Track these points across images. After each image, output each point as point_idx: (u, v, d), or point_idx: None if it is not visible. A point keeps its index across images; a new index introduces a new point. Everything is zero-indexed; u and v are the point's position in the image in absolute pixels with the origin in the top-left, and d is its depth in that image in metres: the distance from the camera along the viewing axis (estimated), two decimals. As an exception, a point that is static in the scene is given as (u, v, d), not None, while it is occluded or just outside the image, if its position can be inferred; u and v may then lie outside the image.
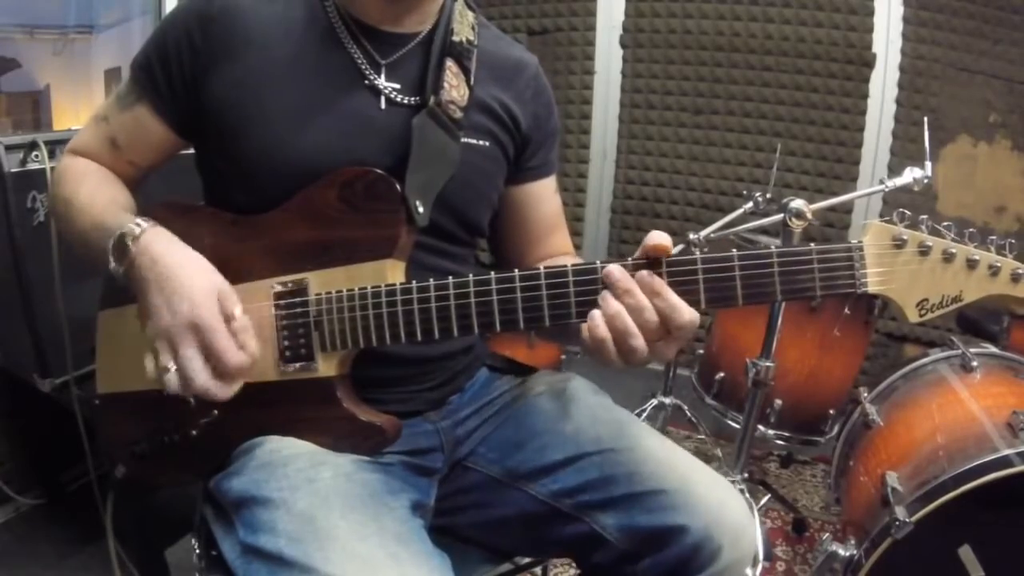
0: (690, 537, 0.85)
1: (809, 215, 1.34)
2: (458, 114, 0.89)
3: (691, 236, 1.72)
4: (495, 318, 0.78)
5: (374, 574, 0.69)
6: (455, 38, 0.92)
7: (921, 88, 2.48)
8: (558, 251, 1.07)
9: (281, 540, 0.72)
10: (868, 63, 2.52)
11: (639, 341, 0.73)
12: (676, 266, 0.74)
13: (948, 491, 1.19)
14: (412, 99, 0.90)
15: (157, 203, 0.92)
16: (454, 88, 0.90)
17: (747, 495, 1.67)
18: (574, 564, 1.04)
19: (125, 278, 0.81)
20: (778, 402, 1.89)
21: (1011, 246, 0.74)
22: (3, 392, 1.71)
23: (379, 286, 0.81)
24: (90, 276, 0.87)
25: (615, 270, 0.74)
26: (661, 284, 0.73)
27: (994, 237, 0.74)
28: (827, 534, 1.78)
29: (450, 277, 0.79)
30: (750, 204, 1.95)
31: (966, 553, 1.23)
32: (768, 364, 1.57)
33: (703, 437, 2.32)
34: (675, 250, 0.76)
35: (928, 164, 1.51)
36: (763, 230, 1.65)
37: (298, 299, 0.84)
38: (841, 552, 1.35)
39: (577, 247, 1.12)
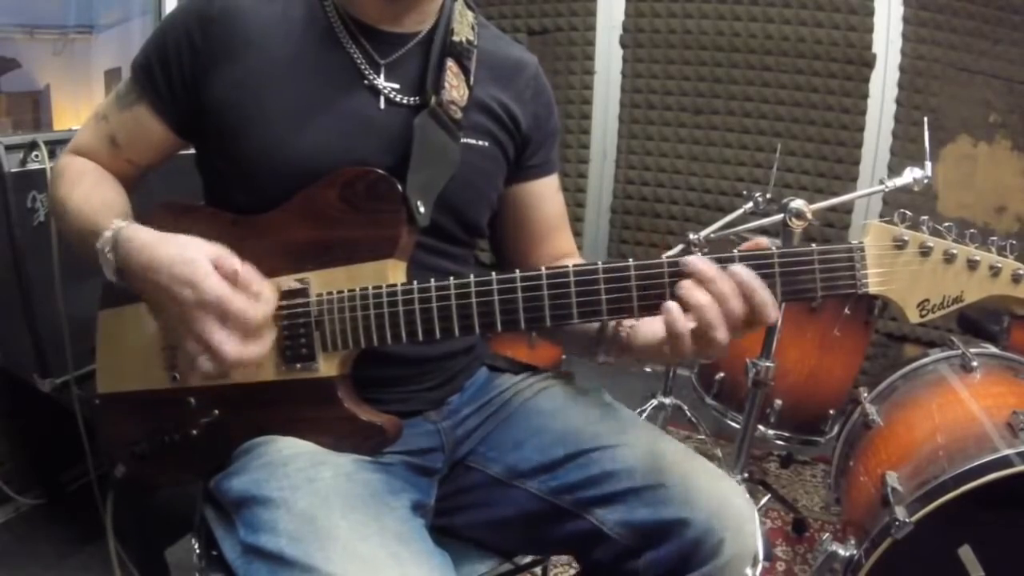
0: (691, 531, 0.85)
1: (809, 215, 1.34)
2: (458, 114, 0.90)
3: (691, 236, 1.72)
4: (496, 318, 0.78)
5: (375, 574, 0.69)
6: (455, 38, 0.92)
7: (921, 88, 2.48)
8: (561, 252, 1.07)
9: (282, 540, 0.72)
10: (868, 63, 2.52)
11: (722, 332, 0.72)
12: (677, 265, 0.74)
13: (948, 491, 1.19)
14: (411, 99, 0.90)
15: (157, 203, 0.92)
16: (454, 88, 0.90)
17: (747, 495, 1.67)
18: (574, 565, 1.04)
19: (123, 283, 0.81)
20: (778, 402, 1.89)
21: (1012, 247, 0.74)
22: (3, 392, 1.71)
23: (380, 286, 0.81)
24: (90, 276, 0.86)
25: (698, 259, 0.73)
26: (759, 281, 0.72)
27: (995, 238, 0.74)
28: (827, 534, 1.78)
29: (451, 277, 0.79)
30: (750, 204, 1.95)
31: (966, 553, 1.23)
32: (768, 364, 1.57)
33: (703, 437, 2.32)
34: (675, 250, 0.76)
35: (928, 164, 1.51)
36: (763, 230, 1.65)
37: (299, 299, 0.84)
38: (841, 552, 1.35)
39: (577, 247, 1.12)
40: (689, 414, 2.29)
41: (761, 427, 1.91)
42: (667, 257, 0.75)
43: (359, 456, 0.86)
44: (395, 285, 0.81)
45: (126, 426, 0.94)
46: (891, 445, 1.52)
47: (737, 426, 1.74)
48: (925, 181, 1.52)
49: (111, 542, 1.53)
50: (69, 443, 1.62)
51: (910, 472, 1.33)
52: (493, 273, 0.78)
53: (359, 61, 0.89)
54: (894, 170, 2.42)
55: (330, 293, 0.83)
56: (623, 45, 2.87)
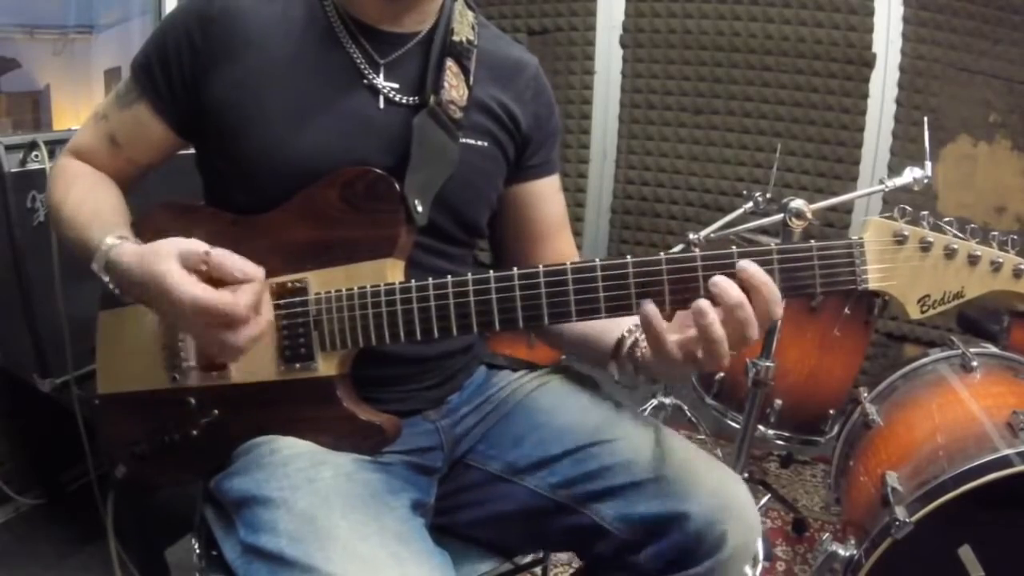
0: (692, 523, 0.85)
1: (809, 215, 1.34)
2: (458, 114, 0.90)
3: (691, 236, 1.72)
4: (494, 317, 0.78)
5: (375, 573, 0.69)
6: (455, 38, 0.92)
7: (921, 88, 2.48)
8: (561, 254, 1.06)
9: (282, 540, 0.72)
10: (868, 63, 2.52)
11: (754, 330, 0.72)
12: (677, 263, 0.74)
13: (948, 491, 1.19)
14: (411, 99, 0.90)
15: (156, 203, 0.92)
16: (454, 88, 0.90)
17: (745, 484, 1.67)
18: (574, 564, 1.04)
19: (125, 296, 0.83)
20: (778, 402, 1.89)
21: (1013, 242, 0.73)
22: (3, 392, 1.71)
23: (378, 285, 0.81)
24: (90, 276, 0.87)
25: (750, 264, 0.72)
26: (768, 278, 0.72)
27: (996, 233, 0.73)
28: (827, 534, 1.78)
29: (449, 276, 0.79)
30: (750, 204, 1.95)
31: (966, 553, 1.23)
32: (768, 364, 1.57)
33: (703, 437, 2.32)
34: (675, 250, 0.75)
35: (928, 164, 1.51)
36: (763, 230, 1.65)
37: (298, 299, 0.84)
38: (841, 552, 1.35)
39: (577, 247, 1.12)
40: (689, 414, 2.29)
41: (761, 427, 1.91)
42: (665, 255, 0.75)
43: (359, 456, 0.86)
44: (393, 284, 0.81)
45: (126, 426, 0.94)
46: (891, 445, 1.52)
47: (737, 426, 1.74)
48: (925, 181, 1.52)
49: (111, 542, 1.53)
50: (69, 443, 1.62)
51: (910, 472, 1.33)
52: (491, 272, 0.78)
53: (359, 61, 0.89)
54: (894, 170, 2.41)
55: (328, 292, 0.83)
56: (623, 45, 2.87)
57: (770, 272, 0.73)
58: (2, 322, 1.54)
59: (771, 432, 1.93)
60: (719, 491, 0.87)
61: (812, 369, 1.90)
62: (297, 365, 0.85)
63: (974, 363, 1.58)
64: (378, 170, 0.83)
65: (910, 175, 1.52)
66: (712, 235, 1.77)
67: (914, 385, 1.65)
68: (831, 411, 1.94)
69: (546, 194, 1.05)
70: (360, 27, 0.89)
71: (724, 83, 2.74)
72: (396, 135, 0.87)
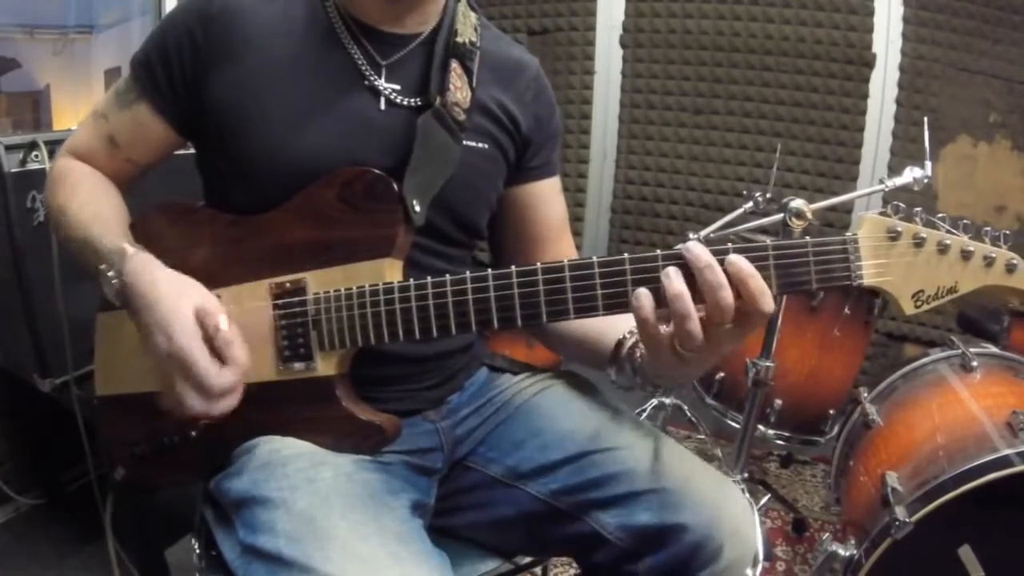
0: (690, 535, 0.85)
1: (809, 215, 1.34)
2: (461, 116, 0.89)
3: (691, 236, 1.72)
4: (492, 316, 0.78)
5: (374, 574, 0.69)
6: (459, 39, 0.92)
7: (921, 88, 2.48)
8: (562, 257, 1.06)
9: (281, 540, 0.72)
10: (868, 63, 2.52)
11: (695, 325, 0.70)
12: (674, 259, 0.73)
13: (948, 491, 1.18)
14: (412, 100, 0.90)
15: (156, 204, 0.92)
16: (458, 90, 0.90)
17: (747, 495, 1.67)
18: (574, 565, 1.04)
19: (120, 302, 0.82)
20: (778, 402, 1.89)
21: (1006, 237, 0.73)
22: (3, 392, 1.71)
23: (377, 285, 0.81)
24: (90, 276, 0.87)
25: (695, 245, 0.71)
26: (752, 267, 0.71)
27: (988, 228, 0.73)
28: (827, 534, 1.78)
29: (447, 275, 0.79)
30: (750, 204, 1.95)
31: (966, 553, 1.23)
32: (768, 364, 1.57)
33: (703, 437, 2.31)
34: (674, 249, 0.75)
35: (928, 164, 1.51)
36: (763, 230, 1.65)
37: (297, 299, 0.84)
38: (841, 552, 1.35)
39: (577, 247, 1.11)
40: (689, 414, 2.29)
41: (761, 427, 1.91)
42: (663, 253, 0.74)
43: (358, 456, 0.86)
44: (391, 284, 0.81)
45: (125, 427, 0.94)
46: (891, 445, 1.52)
47: (737, 426, 1.74)
48: (925, 181, 1.52)
49: (111, 542, 1.53)
50: (69, 443, 1.62)
51: (910, 472, 1.33)
52: (489, 270, 0.78)
53: (360, 62, 0.88)
54: (894, 170, 2.41)
55: (327, 292, 0.83)
56: (623, 45, 2.87)
57: (766, 268, 0.72)
58: (2, 322, 1.54)
59: (771, 432, 1.93)
60: (718, 504, 0.87)
61: (812, 369, 1.90)
62: (296, 365, 0.84)
63: (974, 363, 1.58)
64: (376, 170, 0.83)
65: (910, 175, 1.52)
66: (712, 235, 1.77)
67: (914, 385, 1.65)
68: (831, 411, 1.94)
69: (546, 196, 1.05)
70: (361, 28, 0.89)
71: (724, 83, 2.74)
72: (397, 136, 0.87)
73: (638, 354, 0.86)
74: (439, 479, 0.97)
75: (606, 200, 3.03)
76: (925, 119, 1.65)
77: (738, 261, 0.71)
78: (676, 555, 0.86)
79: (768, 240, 0.79)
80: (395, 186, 0.83)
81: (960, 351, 1.64)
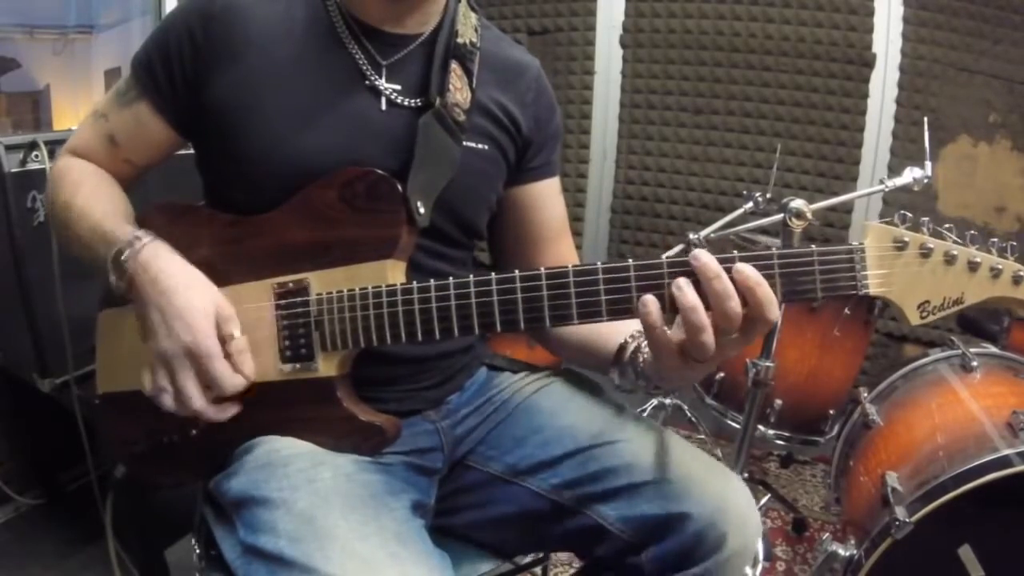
0: (693, 525, 0.85)
1: (809, 215, 1.34)
2: (462, 117, 0.89)
3: (691, 236, 1.72)
4: (495, 318, 0.78)
5: (374, 574, 0.69)
6: (459, 40, 0.92)
7: (921, 88, 2.48)
8: (562, 259, 1.06)
9: (281, 540, 0.72)
10: (868, 63, 2.52)
11: (709, 336, 0.70)
12: (679, 266, 0.73)
13: (948, 491, 1.19)
14: (413, 101, 0.90)
15: (156, 204, 0.92)
16: (458, 91, 0.90)
17: (746, 487, 1.67)
18: (574, 565, 1.04)
19: (126, 291, 0.82)
20: (778, 402, 1.89)
21: (1012, 248, 0.73)
22: (3, 392, 1.71)
23: (380, 286, 0.81)
24: (90, 276, 0.87)
25: (703, 253, 0.71)
26: (761, 277, 0.71)
27: (995, 239, 0.73)
28: (827, 534, 1.78)
29: (450, 277, 0.79)
30: (750, 204, 1.95)
31: (966, 553, 1.23)
32: (768, 364, 1.57)
33: (703, 437, 2.32)
34: (675, 250, 0.75)
35: (928, 164, 1.51)
36: (763, 230, 1.65)
37: (299, 299, 0.84)
38: (841, 552, 1.35)
39: (577, 247, 1.11)
40: (689, 414, 2.29)
41: (761, 427, 1.91)
42: (667, 257, 0.75)
43: (359, 456, 0.86)
44: (394, 285, 0.81)
45: (126, 426, 0.94)
46: (891, 445, 1.52)
47: (737, 426, 1.74)
48: (925, 181, 1.52)
49: (111, 542, 1.53)
50: (69, 443, 1.62)
51: (910, 472, 1.33)
52: (492, 273, 0.78)
53: (360, 62, 0.88)
54: (894, 170, 2.42)
55: (330, 293, 0.83)
56: (623, 45, 2.86)
57: (771, 276, 0.73)
58: (2, 322, 1.54)
59: (771, 432, 1.93)
60: (719, 493, 0.87)
61: (812, 369, 1.90)
62: (297, 365, 0.84)
63: (974, 363, 1.58)
64: (380, 171, 0.83)
65: (910, 175, 1.52)
66: (712, 235, 1.77)
67: (914, 385, 1.66)
68: (831, 411, 1.94)
69: (546, 196, 1.05)
70: (363, 28, 0.89)
71: (724, 83, 2.74)
72: (398, 137, 0.87)
73: (640, 358, 0.86)
74: (439, 479, 0.97)
75: (606, 200, 3.03)
76: (925, 119, 1.65)
77: (745, 269, 0.71)
78: (679, 544, 0.86)
79: (771, 243, 0.79)
80: (399, 187, 0.83)
81: (960, 351, 1.64)
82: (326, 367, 0.84)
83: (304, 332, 0.84)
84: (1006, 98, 2.40)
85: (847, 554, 1.34)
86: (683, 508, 0.85)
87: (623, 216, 3.02)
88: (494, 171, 0.97)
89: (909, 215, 0.73)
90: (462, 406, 1.01)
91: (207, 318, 0.78)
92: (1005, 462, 1.17)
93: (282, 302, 0.85)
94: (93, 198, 0.89)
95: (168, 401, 0.80)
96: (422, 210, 0.84)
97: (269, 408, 0.86)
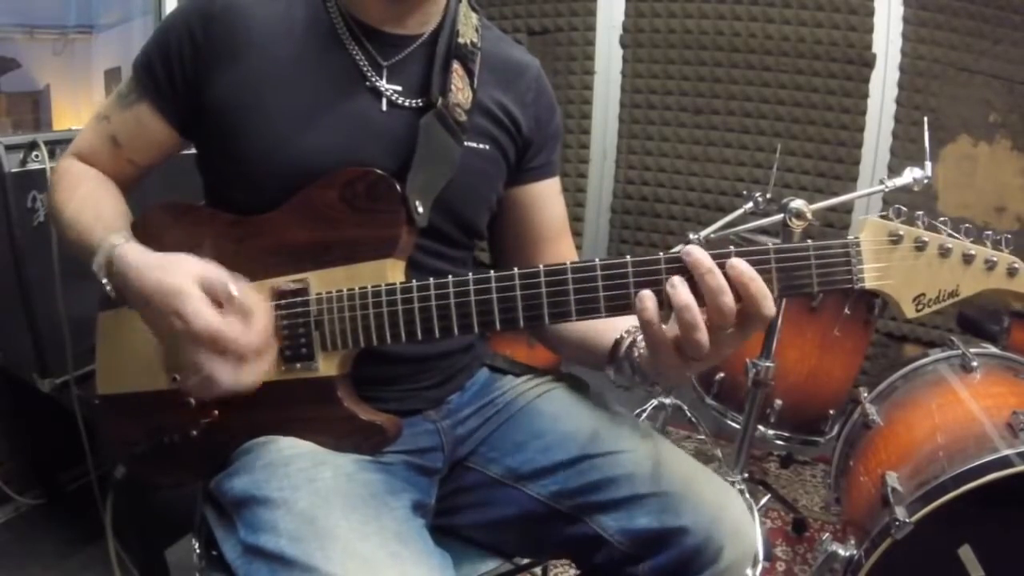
0: (691, 538, 0.85)
1: (809, 215, 1.34)
2: (463, 117, 0.89)
3: (691, 236, 1.72)
4: (495, 317, 0.78)
5: (375, 573, 0.69)
6: (460, 40, 0.92)
7: (921, 88, 2.48)
8: (562, 259, 1.05)
9: (282, 540, 0.72)
10: (868, 63, 2.52)
11: (703, 335, 0.70)
12: (676, 262, 0.73)
13: (948, 491, 1.19)
14: (414, 101, 0.90)
15: (157, 204, 0.92)
16: (460, 91, 0.90)
17: (747, 495, 1.67)
18: (574, 565, 1.04)
19: (118, 298, 0.82)
20: (778, 402, 1.89)
21: (1007, 241, 0.74)
22: (3, 392, 1.71)
23: (379, 285, 0.81)
24: (90, 276, 0.87)
25: (695, 249, 0.72)
26: (754, 271, 0.71)
27: (990, 232, 0.74)
28: (827, 534, 1.78)
29: (450, 276, 0.79)
30: (750, 204, 1.95)
31: (966, 553, 1.23)
32: (768, 364, 1.57)
33: (703, 437, 2.32)
34: (675, 249, 0.75)
35: (928, 164, 1.52)
36: (763, 230, 1.65)
37: (299, 299, 0.84)
38: (841, 552, 1.35)
39: (577, 247, 1.11)
40: (689, 414, 2.29)
41: (761, 427, 1.91)
42: (665, 254, 0.75)
43: (359, 456, 0.86)
44: (394, 284, 0.81)
45: (126, 427, 0.94)
46: (891, 445, 1.52)
47: (737, 426, 1.74)
48: (925, 181, 1.52)
49: (111, 542, 1.53)
50: (69, 443, 1.62)
51: (910, 472, 1.33)
52: (492, 271, 0.78)
53: (361, 63, 0.89)
54: (894, 170, 2.42)
55: (330, 293, 0.83)
56: (623, 45, 2.87)
57: (768, 272, 0.73)
58: (2, 322, 1.54)
59: (771, 432, 1.93)
60: (718, 507, 0.88)
61: (812, 369, 1.90)
62: (298, 365, 0.84)
63: (974, 363, 1.58)
64: (379, 171, 0.83)
65: (910, 175, 1.52)
66: (712, 235, 1.77)
67: (914, 385, 1.65)
68: (831, 411, 1.94)
69: (546, 196, 1.05)
70: (363, 28, 0.89)
71: (724, 83, 2.74)
72: (398, 137, 0.87)
73: (636, 353, 0.86)
74: (440, 479, 0.97)
75: (606, 200, 3.03)
76: (925, 119, 1.65)
77: (739, 264, 0.71)
78: (677, 557, 0.86)
79: (769, 242, 0.80)
80: (398, 187, 0.83)
81: (960, 351, 1.64)
82: (326, 367, 0.84)
83: (304, 332, 0.84)
84: (1006, 98, 2.40)
85: (847, 554, 1.34)
86: (681, 522, 0.86)
87: (623, 216, 3.02)
88: (494, 171, 0.97)
89: (904, 209, 0.74)
90: (463, 406, 1.01)
91: (192, 296, 0.73)
92: (1005, 462, 1.17)
93: (282, 302, 0.85)
94: (84, 205, 0.89)
95: (199, 390, 0.76)
96: (421, 210, 0.84)
97: (269, 408, 0.86)
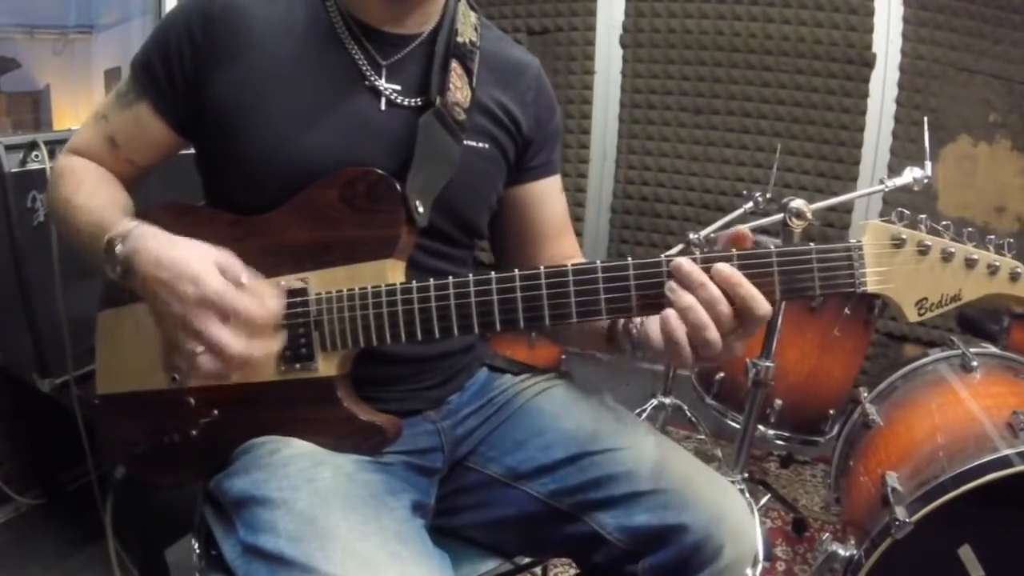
0: (691, 536, 0.85)
1: (809, 215, 1.34)
2: (462, 116, 0.90)
3: (691, 236, 1.72)
4: (495, 317, 0.78)
5: (375, 573, 0.69)
6: (459, 39, 0.92)
7: (921, 88, 2.48)
8: (564, 255, 1.06)
9: (281, 540, 0.72)
10: (868, 63, 2.52)
11: (714, 333, 0.72)
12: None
13: (948, 491, 1.18)
14: (413, 101, 0.90)
15: (156, 204, 0.92)
16: (458, 90, 0.90)
17: (747, 495, 1.67)
18: (574, 565, 1.04)
19: (124, 280, 0.80)
20: (778, 402, 1.89)
21: (1009, 245, 0.74)
22: (3, 392, 1.71)
23: (379, 286, 0.81)
24: (90, 276, 0.87)
25: (685, 262, 0.73)
26: (740, 274, 0.72)
27: (992, 236, 0.74)
28: (827, 534, 1.78)
29: (450, 277, 0.79)
30: (750, 204, 1.95)
31: (966, 553, 1.23)
32: (768, 364, 1.57)
33: (703, 437, 2.32)
34: (675, 249, 0.75)
35: (928, 164, 1.52)
36: (763, 230, 1.65)
37: (298, 299, 0.84)
38: (841, 552, 1.35)
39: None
40: (689, 414, 2.29)
41: (761, 427, 1.91)
42: (666, 256, 0.75)
43: (359, 456, 0.86)
44: (394, 285, 0.81)
45: (126, 427, 0.94)
46: (891, 445, 1.52)
47: (737, 426, 1.74)
48: (925, 181, 1.52)
49: (111, 542, 1.53)
50: (69, 443, 1.62)
51: (910, 472, 1.33)
52: (492, 272, 0.78)
53: (360, 62, 0.89)
54: (894, 170, 2.41)
55: (329, 293, 0.83)
56: (623, 45, 2.87)
57: (770, 274, 0.73)
58: (2, 322, 1.54)
59: (771, 432, 1.93)
60: (718, 504, 0.88)
61: (812, 369, 1.90)
62: (297, 365, 0.84)
63: (974, 363, 1.58)
64: (379, 171, 0.83)
65: (910, 175, 1.52)
66: (712, 235, 1.77)
67: (914, 385, 1.65)
68: (831, 411, 1.94)
69: (547, 195, 1.05)
70: (362, 28, 0.89)
71: (724, 83, 2.74)
72: (398, 137, 0.87)
73: (634, 330, 0.85)
74: (439, 479, 0.97)
75: (606, 200, 3.03)
76: (925, 119, 1.65)
77: (723, 270, 0.72)
78: (676, 555, 0.86)
79: (771, 243, 0.80)
80: (398, 187, 0.83)
81: (960, 351, 1.64)
82: (326, 367, 0.84)
83: (304, 332, 0.84)
84: (1006, 98, 2.40)
85: (847, 554, 1.34)
86: (680, 519, 0.86)
87: (623, 216, 3.02)
88: (494, 170, 0.97)
89: (907, 212, 0.74)
90: (463, 406, 1.01)
91: (208, 265, 0.73)
92: (1005, 462, 1.17)
93: (282, 302, 0.84)
94: (93, 194, 0.89)
95: (207, 363, 0.74)
96: (421, 209, 0.84)
97: (269, 408, 0.86)
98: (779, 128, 2.69)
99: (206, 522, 0.87)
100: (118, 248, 0.79)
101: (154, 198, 0.93)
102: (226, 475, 0.83)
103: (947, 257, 0.73)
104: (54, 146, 1.46)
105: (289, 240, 0.85)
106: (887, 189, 1.53)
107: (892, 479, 1.31)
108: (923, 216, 0.74)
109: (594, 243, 3.07)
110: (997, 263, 0.73)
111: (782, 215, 1.36)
